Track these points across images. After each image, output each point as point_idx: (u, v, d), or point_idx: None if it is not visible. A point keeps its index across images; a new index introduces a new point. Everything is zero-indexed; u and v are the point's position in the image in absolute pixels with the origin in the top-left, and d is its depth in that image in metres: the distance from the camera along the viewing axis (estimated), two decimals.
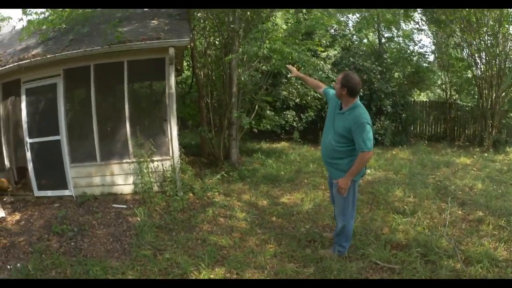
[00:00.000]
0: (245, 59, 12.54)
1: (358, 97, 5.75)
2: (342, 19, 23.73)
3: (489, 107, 17.80)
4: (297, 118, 17.67)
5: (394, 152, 15.96)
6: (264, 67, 11.20)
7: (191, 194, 9.92)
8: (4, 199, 10.37)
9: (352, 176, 5.48)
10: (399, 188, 9.94)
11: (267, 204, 9.24)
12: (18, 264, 6.66)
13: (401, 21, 21.79)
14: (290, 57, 11.12)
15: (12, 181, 11.06)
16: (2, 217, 9.20)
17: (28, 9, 11.66)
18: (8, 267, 6.67)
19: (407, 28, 22.82)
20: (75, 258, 6.74)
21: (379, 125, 17.33)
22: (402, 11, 20.02)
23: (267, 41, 10.90)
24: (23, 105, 10.38)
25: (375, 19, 21.51)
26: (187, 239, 7.24)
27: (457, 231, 7.19)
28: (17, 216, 9.25)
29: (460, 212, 8.24)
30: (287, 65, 7.64)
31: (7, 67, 10.02)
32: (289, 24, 16.81)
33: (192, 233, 7.55)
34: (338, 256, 6.14)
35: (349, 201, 5.81)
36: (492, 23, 16.97)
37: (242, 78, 12.27)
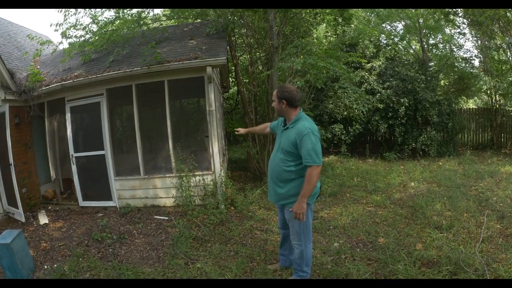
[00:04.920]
0: (287, 74, 12.62)
1: (302, 108, 5.46)
2: (387, 28, 23.58)
3: None
4: (344, 132, 17.62)
5: (440, 163, 15.61)
6: (298, 82, 11.19)
7: (232, 208, 10.08)
8: (49, 208, 11.08)
9: (306, 198, 5.07)
10: (440, 202, 9.76)
11: None
12: (55, 265, 7.11)
13: (444, 27, 21.46)
14: (325, 71, 11.15)
15: (57, 191, 11.77)
16: (45, 223, 9.83)
17: (68, 33, 12.30)
18: (45, 267, 7.15)
19: (450, 33, 22.40)
20: (111, 263, 7.10)
21: (425, 136, 17.10)
22: (442, 16, 19.77)
23: (301, 56, 10.95)
24: (68, 122, 10.99)
25: (417, 26, 21.24)
26: (221, 251, 7.38)
27: (493, 247, 6.80)
28: (60, 223, 9.85)
29: (498, 226, 7.84)
30: (235, 129, 7.46)
31: (50, 86, 10.71)
32: (330, 38, 16.69)
33: (226, 245, 7.68)
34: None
35: (305, 226, 5.44)
36: None
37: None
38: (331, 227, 8.41)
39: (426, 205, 9.45)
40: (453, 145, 18.25)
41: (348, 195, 11.11)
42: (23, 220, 10.00)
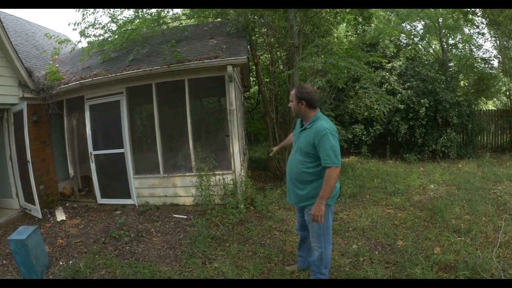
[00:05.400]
0: (308, 74, 12.54)
1: (322, 108, 5.25)
2: (407, 27, 23.47)
3: None
4: (365, 132, 17.53)
5: (459, 165, 15.41)
6: (319, 82, 11.14)
7: (252, 207, 10.04)
8: (67, 205, 11.23)
9: (324, 200, 4.92)
10: (459, 205, 9.64)
11: None
12: (70, 262, 7.16)
13: (464, 27, 21.27)
14: (346, 71, 11.10)
15: (76, 188, 11.86)
16: (62, 220, 9.94)
17: (87, 32, 12.45)
18: (60, 263, 7.24)
19: (469, 33, 22.18)
20: (127, 261, 7.12)
21: (445, 138, 16.93)
22: (461, 15, 19.61)
23: (322, 56, 10.90)
24: (87, 120, 11.09)
25: (437, 25, 21.06)
26: (239, 251, 7.36)
27: (510, 252, 6.66)
28: (77, 220, 9.95)
29: None
30: (271, 149, 7.39)
31: (69, 85, 10.83)
32: (350, 37, 16.66)
33: (244, 245, 7.65)
34: None
35: (325, 227, 5.31)
36: None
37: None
38: (350, 229, 8.34)
39: (445, 208, 9.31)
40: (472, 147, 18.03)
41: (368, 196, 11.02)
42: (40, 216, 10.13)
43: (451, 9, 19.23)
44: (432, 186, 11.88)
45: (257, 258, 6.92)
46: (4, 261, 7.41)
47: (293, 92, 5.31)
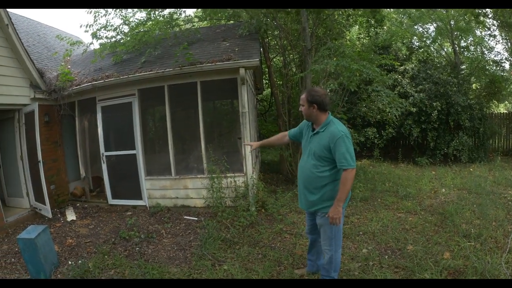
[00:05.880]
0: (320, 77, 12.52)
1: (335, 111, 5.17)
2: (419, 30, 23.38)
3: None
4: (377, 135, 17.47)
5: (471, 169, 15.29)
6: (332, 85, 11.11)
7: (263, 210, 10.01)
8: (77, 205, 11.34)
9: (342, 202, 4.92)
10: (469, 209, 9.56)
11: None
12: (79, 261, 7.15)
13: (475, 29, 21.15)
14: (358, 74, 11.04)
15: (87, 189, 11.94)
16: (73, 220, 10.02)
17: (99, 34, 12.50)
18: (69, 262, 7.24)
19: (481, 35, 22.03)
20: (137, 262, 7.12)
21: (457, 141, 16.82)
22: (473, 17, 19.53)
23: (334, 58, 10.87)
24: (99, 121, 11.15)
25: (448, 28, 20.95)
26: (249, 253, 7.33)
27: None
28: (87, 221, 10.00)
29: None
30: (245, 143, 7.24)
31: (81, 86, 10.94)
32: (362, 40, 16.61)
33: (255, 248, 7.62)
34: None
35: (337, 230, 5.28)
36: None
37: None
38: (361, 233, 8.29)
39: (456, 212, 9.23)
40: (484, 150, 17.87)
41: (379, 200, 10.94)
42: (50, 216, 10.22)
43: (462, 11, 19.17)
44: (444, 190, 11.81)
45: (266, 261, 6.90)
46: (13, 260, 7.51)
47: (303, 96, 5.29)
